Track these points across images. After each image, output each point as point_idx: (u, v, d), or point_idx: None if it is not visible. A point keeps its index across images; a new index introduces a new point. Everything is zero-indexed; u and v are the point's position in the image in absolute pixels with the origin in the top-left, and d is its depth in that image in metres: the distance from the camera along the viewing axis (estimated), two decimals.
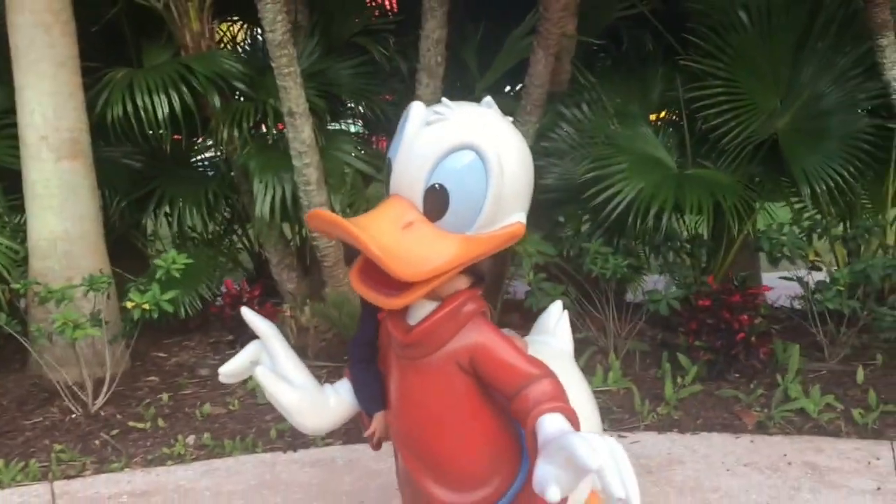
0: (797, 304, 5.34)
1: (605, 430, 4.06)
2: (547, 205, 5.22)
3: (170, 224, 5.78)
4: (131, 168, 5.67)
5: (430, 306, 2.21)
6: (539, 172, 5.01)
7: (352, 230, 2.02)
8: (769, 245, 4.70)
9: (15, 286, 4.39)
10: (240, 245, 6.54)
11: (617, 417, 4.28)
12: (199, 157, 6.30)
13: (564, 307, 3.01)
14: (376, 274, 2.10)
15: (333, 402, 2.50)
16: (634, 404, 4.34)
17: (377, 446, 2.56)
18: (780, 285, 5.34)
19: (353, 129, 6.73)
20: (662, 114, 5.74)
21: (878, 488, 3.48)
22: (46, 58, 4.65)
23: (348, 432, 4.10)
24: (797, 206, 5.33)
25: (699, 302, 4.67)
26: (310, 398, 2.45)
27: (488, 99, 2.22)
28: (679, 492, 3.47)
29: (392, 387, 2.38)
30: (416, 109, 2.14)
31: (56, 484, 3.71)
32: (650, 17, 5.65)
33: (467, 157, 2.05)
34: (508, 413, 2.22)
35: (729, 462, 3.76)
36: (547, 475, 1.97)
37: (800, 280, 4.96)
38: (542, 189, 5.16)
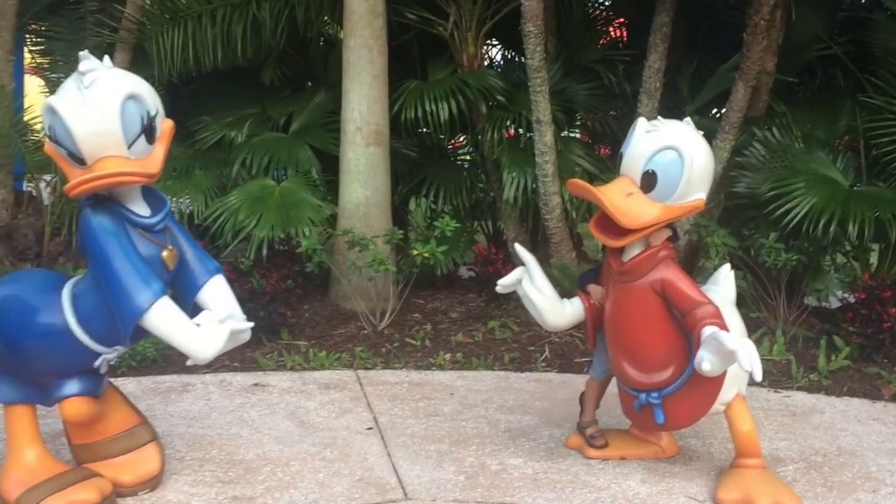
0: None
1: (762, 386, 5.20)
2: (735, 209, 6.38)
3: (432, 204, 7.34)
4: (409, 157, 7.28)
5: (638, 249, 3.54)
6: (730, 182, 6.32)
7: (596, 194, 3.40)
8: None
9: (337, 233, 6.06)
10: (478, 227, 8.04)
11: (775, 378, 5.29)
12: (458, 153, 7.90)
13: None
14: (606, 225, 3.46)
15: (568, 309, 3.85)
16: (791, 371, 5.36)
17: (592, 341, 3.89)
18: None
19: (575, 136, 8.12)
20: (844, 140, 6.69)
21: None
22: (366, 70, 6.34)
23: (562, 365, 5.48)
24: None
25: (855, 294, 5.70)
26: (554, 304, 3.81)
27: (688, 119, 3.56)
28: (814, 428, 4.51)
29: (608, 303, 3.72)
30: (641, 123, 3.50)
31: (358, 372, 5.30)
32: (843, 57, 6.66)
33: (671, 155, 3.38)
34: (682, 326, 3.50)
35: (861, 416, 4.73)
36: (703, 356, 3.27)
37: None
38: (732, 196, 6.36)
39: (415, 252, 5.66)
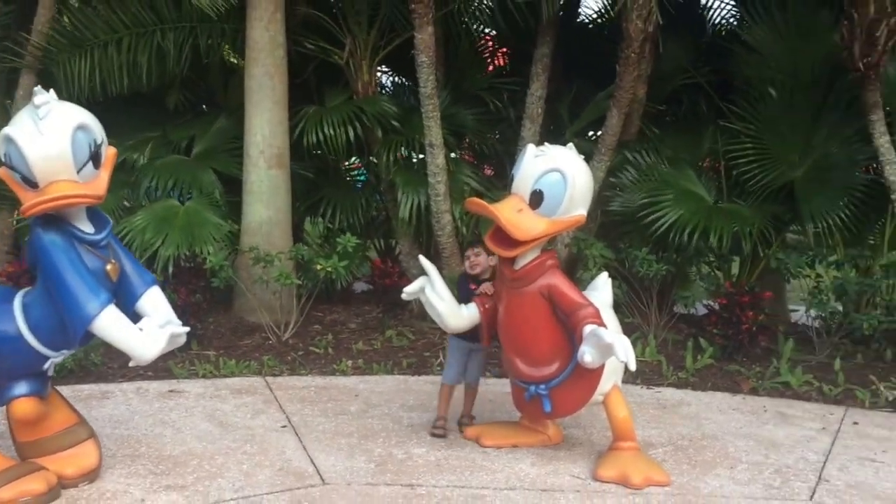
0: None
1: (636, 383, 5.73)
2: (610, 225, 6.98)
3: (329, 223, 7.69)
4: (306, 178, 7.63)
5: (528, 258, 4.02)
6: (606, 201, 6.91)
7: (492, 210, 3.87)
8: (776, 263, 6.36)
9: (244, 250, 6.38)
10: (370, 244, 8.43)
11: (647, 377, 5.90)
12: (351, 173, 8.31)
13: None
14: (500, 238, 3.93)
15: (466, 312, 4.29)
16: (662, 370, 5.98)
17: (488, 340, 4.35)
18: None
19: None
20: (707, 161, 7.38)
21: (823, 428, 5.00)
22: (268, 97, 6.72)
23: None
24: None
25: (718, 300, 6.35)
26: (453, 309, 4.24)
27: (571, 144, 4.06)
28: (682, 418, 5.10)
29: (501, 307, 4.18)
30: (530, 148, 3.99)
31: (267, 378, 5.64)
32: (705, 86, 7.36)
33: (556, 176, 3.88)
34: (566, 326, 3.99)
35: (722, 407, 5.36)
36: (585, 350, 3.76)
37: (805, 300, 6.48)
38: (607, 213, 6.95)
39: (318, 267, 6.03)
